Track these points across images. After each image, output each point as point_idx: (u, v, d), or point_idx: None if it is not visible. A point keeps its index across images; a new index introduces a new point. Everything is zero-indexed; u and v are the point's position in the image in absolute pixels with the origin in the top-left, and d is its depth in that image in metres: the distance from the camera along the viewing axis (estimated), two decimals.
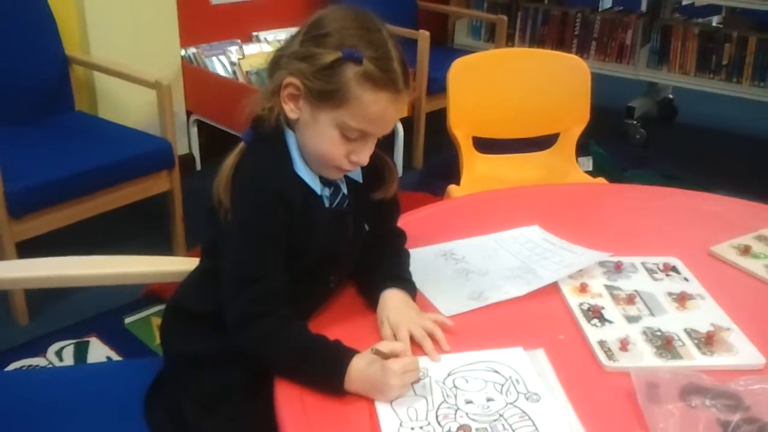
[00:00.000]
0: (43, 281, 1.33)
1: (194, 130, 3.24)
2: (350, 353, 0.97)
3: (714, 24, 3.91)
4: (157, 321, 2.22)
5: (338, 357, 0.97)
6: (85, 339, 2.12)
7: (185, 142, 3.22)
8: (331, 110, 1.01)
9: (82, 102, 2.77)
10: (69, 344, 2.10)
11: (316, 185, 1.09)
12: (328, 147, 1.04)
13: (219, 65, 3.12)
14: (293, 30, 3.43)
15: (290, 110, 1.05)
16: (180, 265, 1.29)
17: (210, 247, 1.14)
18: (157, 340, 2.13)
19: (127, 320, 2.22)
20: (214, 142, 3.20)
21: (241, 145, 1.08)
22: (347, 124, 1.02)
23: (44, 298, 2.25)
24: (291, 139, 1.08)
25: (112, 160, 2.29)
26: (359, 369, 0.95)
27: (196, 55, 3.12)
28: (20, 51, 2.48)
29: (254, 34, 3.39)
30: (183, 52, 3.11)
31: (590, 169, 2.83)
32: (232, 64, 3.10)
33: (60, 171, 2.16)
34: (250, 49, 3.19)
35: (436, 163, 3.38)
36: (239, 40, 3.28)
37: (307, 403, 0.96)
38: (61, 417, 1.18)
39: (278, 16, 3.47)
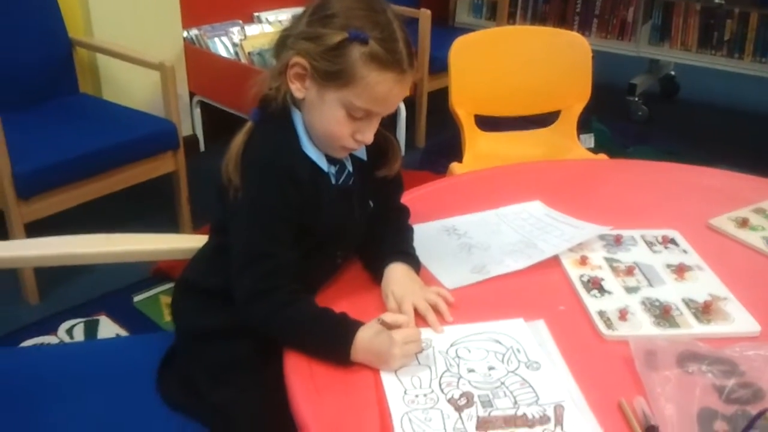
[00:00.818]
0: (56, 259, 1.36)
1: (197, 111, 3.25)
2: (356, 325, 1.01)
3: (716, 0, 3.89)
4: (165, 299, 2.26)
5: (344, 328, 1.00)
6: (95, 317, 2.16)
7: (189, 123, 3.24)
8: (338, 90, 1.03)
9: (86, 84, 2.78)
10: (79, 322, 2.14)
11: (322, 163, 1.11)
12: (334, 126, 1.06)
13: (221, 46, 3.13)
14: (294, 10, 3.43)
15: (297, 90, 1.07)
16: (189, 242, 1.32)
17: (219, 224, 1.17)
18: (166, 318, 2.17)
19: (136, 299, 2.26)
20: (218, 123, 3.21)
21: (249, 124, 1.10)
22: (353, 104, 1.04)
23: (53, 278, 2.29)
24: (297, 118, 1.10)
25: (118, 141, 2.31)
26: (365, 340, 0.99)
27: (198, 36, 3.12)
28: (25, 35, 2.49)
29: (255, 14, 3.40)
30: (185, 34, 3.12)
31: (592, 146, 2.84)
32: (234, 45, 3.11)
33: (67, 152, 2.19)
34: (251, 29, 3.20)
35: (438, 142, 3.40)
36: (241, 21, 3.29)
37: (315, 372, 0.99)
38: (76, 390, 1.22)
39: None
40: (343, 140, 1.07)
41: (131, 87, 2.85)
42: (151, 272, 2.35)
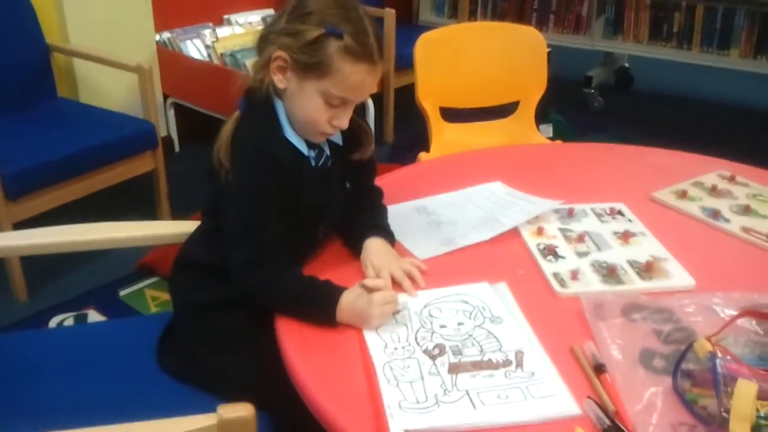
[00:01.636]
0: (57, 247, 1.44)
1: (171, 113, 3.34)
2: (340, 290, 1.14)
3: None
4: (150, 292, 2.36)
5: (330, 293, 1.13)
6: (84, 311, 2.25)
7: (163, 125, 3.33)
8: (316, 80, 1.16)
9: (63, 89, 2.86)
10: (69, 316, 2.22)
11: (303, 147, 1.24)
12: (313, 113, 1.18)
13: (193, 49, 3.23)
14: (263, 12, 3.57)
15: (279, 81, 1.19)
16: (181, 227, 1.43)
17: (210, 207, 1.29)
18: (152, 309, 2.27)
19: (122, 293, 2.35)
20: (192, 124, 3.32)
21: (237, 113, 1.22)
22: (330, 93, 1.16)
23: (41, 275, 2.37)
24: (280, 107, 1.23)
25: (100, 142, 2.41)
26: (348, 302, 1.12)
27: (170, 39, 3.22)
28: (3, 42, 2.56)
29: (225, 17, 3.49)
30: (158, 37, 3.21)
31: (551, 135, 3.00)
32: (207, 47, 3.21)
33: (51, 154, 2.28)
34: (222, 31, 3.30)
35: (406, 136, 3.53)
36: (212, 24, 3.39)
37: (306, 334, 1.12)
38: (82, 367, 1.32)
39: None
40: (321, 126, 1.20)
41: (107, 90, 2.94)
42: (135, 268, 2.45)
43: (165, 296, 2.31)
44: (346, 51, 1.14)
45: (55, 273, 2.41)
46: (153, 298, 2.32)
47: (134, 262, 2.45)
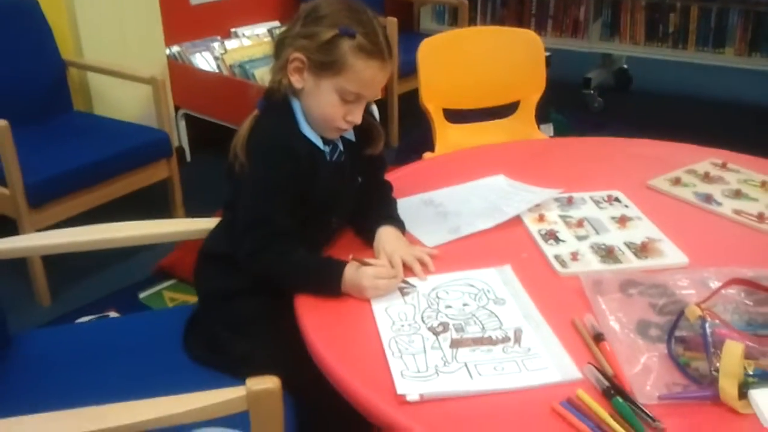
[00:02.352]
0: (81, 245, 1.52)
1: (182, 123, 3.44)
2: (342, 263, 1.23)
3: None
4: (168, 294, 2.44)
5: (334, 267, 1.23)
6: (105, 314, 2.33)
7: (175, 135, 3.42)
8: (331, 78, 1.25)
9: (78, 102, 2.96)
10: (91, 319, 2.31)
11: (318, 142, 1.33)
12: (329, 109, 1.27)
13: (202, 61, 3.33)
14: (269, 24, 3.69)
15: (296, 81, 1.28)
16: (200, 225, 1.52)
17: (230, 202, 1.37)
18: None
19: (141, 295, 2.44)
20: (202, 134, 3.42)
21: (255, 112, 1.31)
22: (345, 89, 1.25)
23: (63, 281, 2.46)
24: (296, 106, 1.32)
25: (117, 152, 2.51)
26: (348, 274, 1.22)
27: (180, 53, 3.32)
28: (21, 58, 2.67)
29: (233, 30, 3.60)
30: (168, 51, 3.31)
31: (551, 134, 3.09)
32: (216, 59, 3.31)
33: (71, 163, 2.38)
34: (231, 44, 3.40)
35: (411, 139, 3.62)
36: (219, 37, 3.49)
37: (323, 311, 1.20)
38: (110, 359, 1.40)
39: (253, 12, 3.70)
40: (337, 121, 1.29)
41: (121, 102, 3.04)
42: (153, 271, 2.54)
43: (183, 297, 2.39)
44: (359, 49, 1.23)
45: (77, 278, 2.50)
46: (171, 299, 2.41)
47: (152, 266, 2.54)
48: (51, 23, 2.77)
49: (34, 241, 1.61)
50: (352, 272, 1.22)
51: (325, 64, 1.25)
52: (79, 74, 2.98)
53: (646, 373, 1.03)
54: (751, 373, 0.99)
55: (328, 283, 1.22)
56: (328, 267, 1.24)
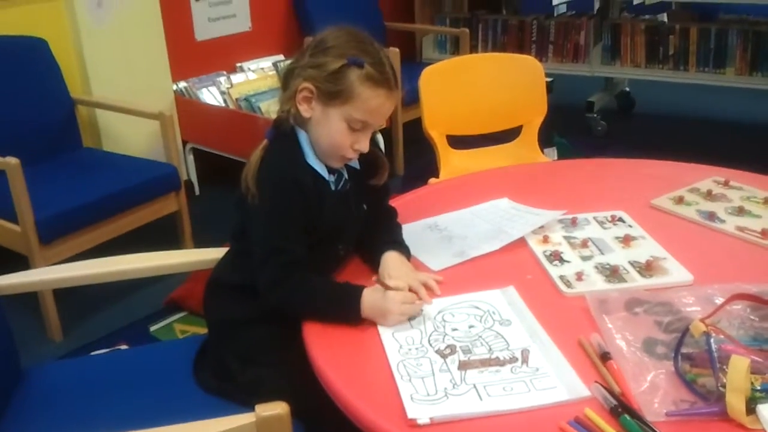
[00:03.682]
0: (103, 276, 1.55)
1: (191, 157, 3.49)
2: (360, 288, 1.25)
3: (658, 19, 4.23)
4: (179, 326, 2.45)
5: (352, 292, 1.24)
6: (117, 348, 2.35)
7: (183, 169, 3.46)
8: (340, 106, 1.28)
9: (87, 139, 3.01)
10: (102, 352, 2.32)
11: (324, 172, 1.35)
12: (337, 138, 1.30)
13: (209, 96, 3.38)
14: (274, 58, 3.75)
15: (305, 110, 1.30)
16: (209, 255, 1.54)
17: (239, 231, 1.39)
18: None
19: (152, 328, 2.45)
20: (210, 167, 3.46)
21: (265, 141, 1.34)
22: (353, 117, 1.28)
23: (74, 316, 2.48)
24: (302, 136, 1.34)
25: (126, 186, 2.54)
26: (369, 298, 1.23)
27: (187, 88, 3.38)
28: (30, 97, 2.73)
29: (238, 65, 3.66)
30: (174, 87, 3.37)
31: (555, 158, 3.11)
32: (222, 93, 3.36)
33: (81, 199, 2.41)
34: (236, 78, 3.46)
35: (415, 167, 3.64)
36: (225, 72, 3.55)
37: (331, 337, 1.22)
38: (121, 390, 1.42)
39: (258, 47, 3.76)
40: (344, 149, 1.31)
41: (129, 138, 3.09)
42: (164, 303, 2.55)
43: (194, 329, 2.41)
44: (367, 78, 1.26)
45: (88, 312, 2.52)
46: (182, 331, 2.42)
47: (162, 299, 2.55)
48: (60, 62, 2.83)
49: (46, 275, 1.62)
50: (375, 297, 1.23)
51: (334, 93, 1.27)
52: (87, 111, 3.03)
53: (654, 390, 1.03)
54: (758, 388, 1.00)
55: (348, 309, 1.23)
56: (347, 293, 1.25)
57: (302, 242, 1.31)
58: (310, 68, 1.29)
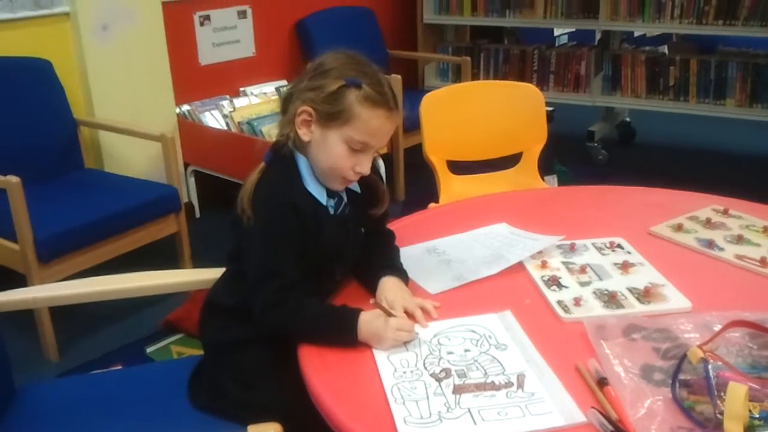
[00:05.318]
0: (100, 295, 1.55)
1: (192, 180, 3.50)
2: (357, 311, 1.24)
3: (659, 50, 4.27)
4: (175, 348, 2.44)
5: (349, 315, 1.23)
6: (113, 369, 2.33)
7: (184, 191, 3.47)
8: (339, 128, 1.28)
9: (89, 160, 3.03)
10: (98, 373, 2.30)
11: (322, 197, 1.35)
12: (338, 160, 1.29)
13: (212, 119, 3.40)
14: (277, 83, 3.77)
15: (304, 134, 1.31)
16: (206, 275, 1.54)
17: (235, 253, 1.39)
18: None
19: (149, 349, 2.44)
20: (211, 190, 3.47)
21: (262, 164, 1.34)
22: (353, 138, 1.28)
23: (71, 336, 2.47)
24: (301, 161, 1.34)
25: (126, 207, 2.55)
26: (366, 321, 1.22)
27: (190, 111, 3.40)
28: (34, 117, 2.75)
29: (241, 89, 3.69)
30: (177, 110, 3.39)
31: (555, 185, 3.11)
32: (225, 116, 3.38)
33: (81, 219, 2.41)
34: (239, 102, 3.48)
35: (416, 193, 3.65)
36: (228, 96, 3.57)
37: (325, 358, 1.21)
38: (117, 409, 1.41)
39: (261, 72, 3.80)
40: (344, 171, 1.30)
41: (130, 160, 3.10)
42: (160, 325, 2.54)
43: (190, 351, 2.39)
44: (365, 98, 1.27)
45: (84, 332, 2.51)
46: (178, 353, 2.41)
47: (159, 320, 2.54)
48: (63, 83, 2.85)
49: (41, 293, 1.62)
50: (372, 321, 1.22)
51: (333, 114, 1.27)
52: (90, 132, 3.05)
53: (651, 417, 1.03)
54: (756, 415, 0.99)
55: (345, 333, 1.22)
56: (344, 318, 1.24)
57: (297, 265, 1.30)
58: (308, 91, 1.29)
